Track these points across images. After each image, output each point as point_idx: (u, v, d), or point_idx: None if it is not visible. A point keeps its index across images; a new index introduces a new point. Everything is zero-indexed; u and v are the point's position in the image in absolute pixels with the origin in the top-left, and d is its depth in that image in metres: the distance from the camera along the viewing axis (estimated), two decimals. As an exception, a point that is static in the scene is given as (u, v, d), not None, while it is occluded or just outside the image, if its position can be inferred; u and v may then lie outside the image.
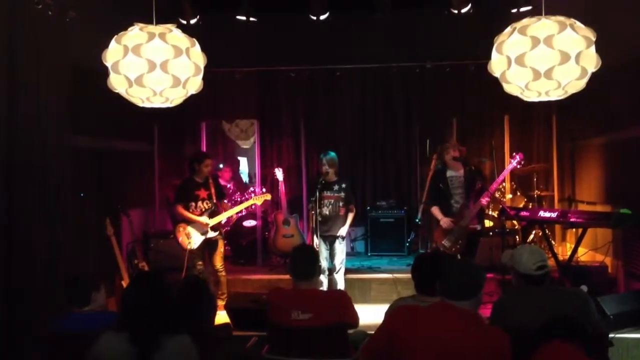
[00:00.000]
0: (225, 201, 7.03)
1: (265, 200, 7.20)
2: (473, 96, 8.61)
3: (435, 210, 6.34)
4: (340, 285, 6.55)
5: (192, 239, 6.45)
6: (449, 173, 6.32)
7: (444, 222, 6.18)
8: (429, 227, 7.68)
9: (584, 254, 6.91)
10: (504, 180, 7.42)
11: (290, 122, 8.96)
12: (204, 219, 6.46)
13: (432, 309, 2.84)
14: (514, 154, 6.48)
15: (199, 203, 6.53)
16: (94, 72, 4.79)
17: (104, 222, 6.05)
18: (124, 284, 6.11)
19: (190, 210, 6.49)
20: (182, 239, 6.52)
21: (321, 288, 6.50)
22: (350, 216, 6.57)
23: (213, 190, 6.60)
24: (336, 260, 6.54)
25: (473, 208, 6.09)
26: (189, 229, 6.48)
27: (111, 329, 2.80)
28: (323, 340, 3.60)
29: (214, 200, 6.58)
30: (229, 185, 8.77)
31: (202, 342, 2.93)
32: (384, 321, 3.13)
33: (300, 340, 3.61)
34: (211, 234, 6.52)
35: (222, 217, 6.59)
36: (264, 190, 8.32)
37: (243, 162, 10.38)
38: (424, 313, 2.83)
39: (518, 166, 6.44)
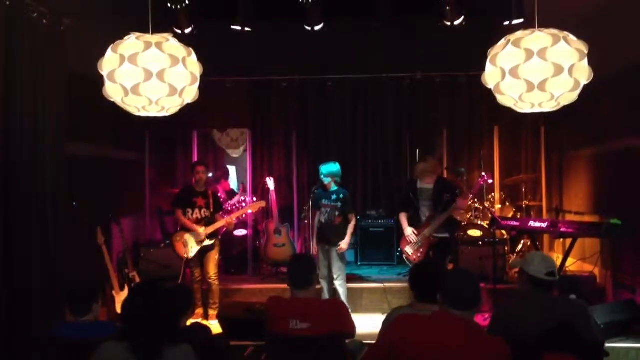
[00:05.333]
0: (222, 214, 6.99)
1: (260, 208, 7.26)
2: (463, 107, 8.70)
3: (402, 218, 6.55)
4: (342, 294, 6.49)
5: (189, 247, 6.49)
6: (419, 185, 6.52)
7: (406, 233, 6.42)
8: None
9: (573, 264, 6.96)
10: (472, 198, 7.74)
11: (281, 132, 8.96)
12: (200, 228, 6.49)
13: (433, 318, 2.84)
14: (483, 174, 7.07)
15: (196, 210, 6.60)
16: (89, 80, 4.78)
17: (95, 231, 6.03)
18: (115, 293, 6.10)
19: (187, 217, 6.58)
20: (179, 247, 6.55)
21: (322, 295, 6.53)
22: (350, 227, 6.54)
23: (211, 201, 6.66)
24: (334, 268, 6.49)
25: (440, 218, 6.29)
26: (186, 237, 6.52)
27: (112, 339, 2.80)
28: (321, 350, 3.60)
29: (211, 210, 6.63)
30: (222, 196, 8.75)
31: (202, 351, 2.93)
32: (383, 331, 3.13)
33: (298, 350, 3.60)
34: (207, 242, 6.54)
35: (218, 225, 6.61)
36: (254, 199, 8.32)
37: (232, 171, 10.36)
38: (425, 322, 2.84)
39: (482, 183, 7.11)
